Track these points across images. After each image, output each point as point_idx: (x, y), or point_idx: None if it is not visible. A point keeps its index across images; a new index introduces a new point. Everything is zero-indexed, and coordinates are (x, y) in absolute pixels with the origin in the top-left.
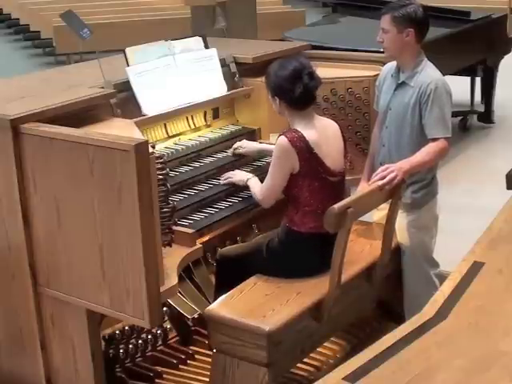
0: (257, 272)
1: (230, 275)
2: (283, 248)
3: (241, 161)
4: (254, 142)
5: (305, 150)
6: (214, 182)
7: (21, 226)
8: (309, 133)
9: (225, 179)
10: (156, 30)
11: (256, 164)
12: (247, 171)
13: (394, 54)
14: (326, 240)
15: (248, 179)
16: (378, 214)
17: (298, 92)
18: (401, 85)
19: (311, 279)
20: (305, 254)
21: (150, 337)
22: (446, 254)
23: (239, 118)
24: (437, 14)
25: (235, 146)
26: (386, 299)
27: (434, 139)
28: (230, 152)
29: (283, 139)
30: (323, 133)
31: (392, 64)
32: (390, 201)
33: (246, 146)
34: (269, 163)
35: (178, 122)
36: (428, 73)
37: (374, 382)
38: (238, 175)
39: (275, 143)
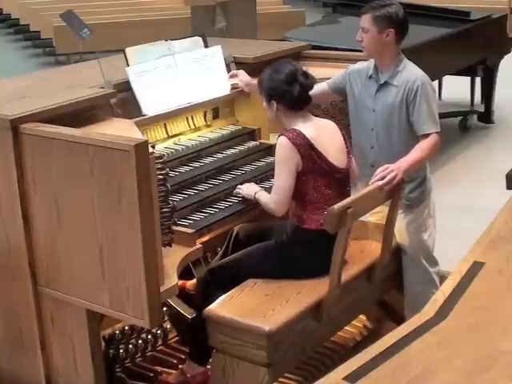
0: (261, 271)
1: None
2: (292, 245)
3: (240, 161)
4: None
5: (305, 147)
6: (214, 181)
7: (21, 226)
8: (307, 130)
9: (236, 191)
10: (156, 30)
11: (256, 164)
12: (246, 170)
13: (373, 54)
14: (334, 238)
15: (256, 193)
16: (376, 216)
17: (296, 92)
18: (383, 85)
19: (311, 279)
20: (314, 250)
21: (149, 337)
22: (446, 254)
23: (239, 118)
24: (437, 14)
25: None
26: (386, 299)
27: (426, 135)
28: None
29: (283, 139)
30: (321, 130)
31: (368, 63)
32: (385, 203)
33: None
34: (268, 163)
35: (178, 122)
36: (411, 70)
37: (374, 382)
38: (248, 189)
39: (275, 145)
